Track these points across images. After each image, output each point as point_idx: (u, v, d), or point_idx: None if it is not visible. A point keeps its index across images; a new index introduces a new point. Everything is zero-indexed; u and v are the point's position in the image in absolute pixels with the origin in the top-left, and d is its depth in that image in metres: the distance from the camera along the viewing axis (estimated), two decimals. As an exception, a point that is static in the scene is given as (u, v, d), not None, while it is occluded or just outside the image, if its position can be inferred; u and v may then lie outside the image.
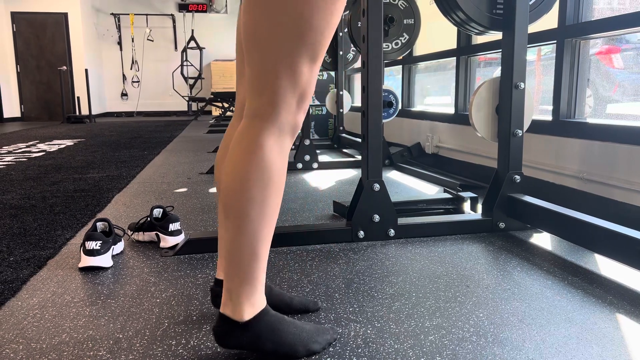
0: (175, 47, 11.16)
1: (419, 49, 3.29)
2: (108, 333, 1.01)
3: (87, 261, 1.38)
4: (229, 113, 8.87)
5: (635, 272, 1.29)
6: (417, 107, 3.37)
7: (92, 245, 1.39)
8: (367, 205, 1.59)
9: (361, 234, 1.60)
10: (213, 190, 2.55)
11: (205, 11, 11.05)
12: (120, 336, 1.00)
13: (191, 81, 10.97)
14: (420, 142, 3.14)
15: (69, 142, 5.02)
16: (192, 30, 10.84)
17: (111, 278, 1.33)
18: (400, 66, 3.55)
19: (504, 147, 1.67)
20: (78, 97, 9.01)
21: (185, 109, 11.02)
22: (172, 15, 10.93)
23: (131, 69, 10.94)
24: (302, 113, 0.88)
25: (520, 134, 1.65)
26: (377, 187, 1.59)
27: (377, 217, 1.60)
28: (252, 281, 0.88)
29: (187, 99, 10.89)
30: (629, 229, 1.26)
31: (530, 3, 1.66)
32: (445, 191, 2.07)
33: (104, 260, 1.40)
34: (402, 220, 1.65)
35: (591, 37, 1.88)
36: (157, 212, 1.66)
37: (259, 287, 0.89)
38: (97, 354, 0.93)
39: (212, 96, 9.67)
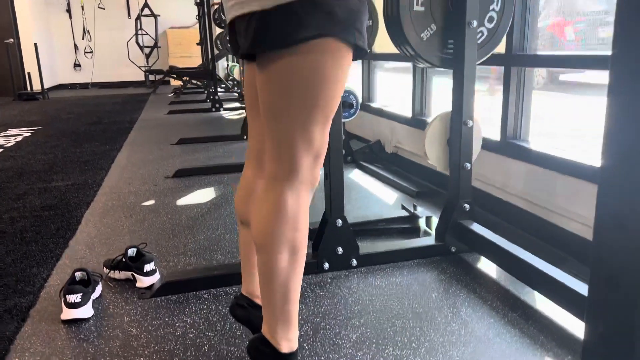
0: (129, 15, 10.73)
1: (387, 47, 3.34)
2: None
3: (69, 314, 1.47)
4: (189, 85, 8.71)
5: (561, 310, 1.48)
6: (377, 104, 3.47)
7: (74, 298, 1.47)
8: (331, 239, 1.72)
9: (326, 265, 1.73)
10: (180, 202, 2.61)
11: (158, -25, 10.61)
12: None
13: (147, 50, 10.64)
14: (380, 140, 3.26)
15: (25, 132, 4.90)
16: (146, -3, 10.41)
17: (94, 332, 1.42)
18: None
19: (454, 178, 1.81)
20: (29, 73, 8.65)
21: (142, 78, 10.73)
22: (123, -20, 10.46)
23: (83, 39, 10.51)
24: (318, 168, 1.01)
25: (469, 167, 1.78)
26: (339, 222, 1.71)
27: (340, 250, 1.73)
28: (286, 321, 1.02)
29: (143, 69, 10.60)
30: (557, 271, 1.43)
31: (479, 42, 1.76)
32: (402, 207, 2.21)
33: (86, 312, 1.49)
34: (363, 249, 1.79)
35: (535, 67, 2.01)
36: (132, 252, 1.74)
37: (293, 324, 1.03)
38: None
39: (169, 69, 9.46)
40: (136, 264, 1.69)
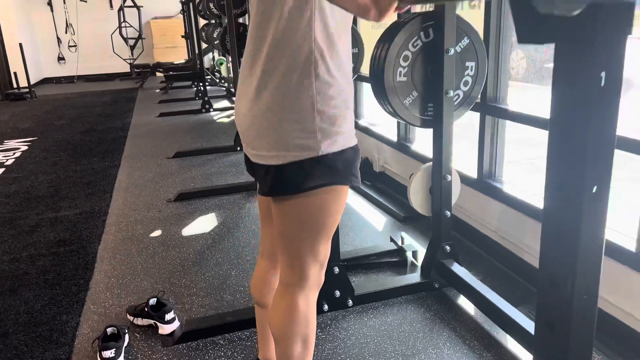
0: (111, 6, 10.66)
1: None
2: None
3: (105, 367, 1.69)
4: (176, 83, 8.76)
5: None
6: (364, 122, 3.66)
7: (108, 354, 1.70)
8: (330, 284, 1.94)
9: (325, 307, 1.97)
10: (185, 232, 2.82)
11: (139, -35, 10.51)
12: None
13: (132, 42, 10.63)
14: (368, 158, 3.47)
15: (22, 145, 5.03)
16: (127, -12, 10.33)
17: (129, 383, 1.65)
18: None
19: (436, 223, 2.04)
20: (15, 73, 8.65)
21: (128, 70, 10.73)
22: (104, -28, 10.36)
23: (66, 32, 10.44)
24: (323, 272, 1.23)
25: (449, 215, 2.01)
26: (336, 270, 1.94)
27: (337, 293, 1.97)
28: None
29: (129, 62, 10.61)
30: (516, 312, 1.68)
31: (455, 103, 1.97)
32: (391, 240, 2.45)
33: (119, 364, 1.71)
34: (357, 288, 2.02)
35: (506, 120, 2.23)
36: (153, 301, 1.95)
37: None
38: None
39: (156, 65, 9.50)
40: (158, 313, 1.91)
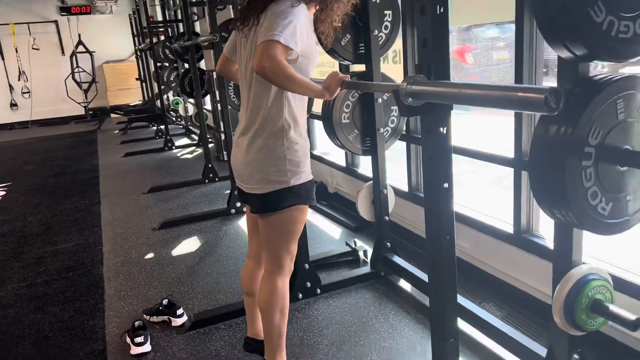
0: (63, 52, 11.00)
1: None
2: (185, 401, 1.91)
3: (137, 350, 2.22)
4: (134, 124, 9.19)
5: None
6: (318, 152, 4.34)
7: (139, 339, 2.23)
8: (302, 277, 2.56)
9: (300, 295, 2.58)
10: (175, 253, 3.36)
11: (89, 13, 10.97)
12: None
13: (85, 86, 10.98)
14: (323, 182, 4.13)
15: (-1, 191, 5.38)
16: (79, 35, 10.74)
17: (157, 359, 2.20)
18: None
19: (379, 226, 2.71)
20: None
21: (83, 112, 11.04)
22: (55, 21, 10.73)
23: (19, 80, 10.67)
24: (292, 263, 1.84)
25: (387, 219, 2.69)
26: (307, 266, 2.56)
27: (309, 284, 2.58)
28: (280, 346, 1.85)
29: (83, 105, 10.93)
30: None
31: (385, 137, 2.66)
32: (346, 244, 3.10)
33: (147, 347, 2.25)
34: (323, 280, 2.65)
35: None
36: (165, 301, 2.50)
37: (284, 348, 1.85)
38: (189, 415, 1.83)
39: (114, 107, 9.90)
40: (170, 310, 2.46)
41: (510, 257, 2.37)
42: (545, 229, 2.28)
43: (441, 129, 1.33)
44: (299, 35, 1.51)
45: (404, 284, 2.66)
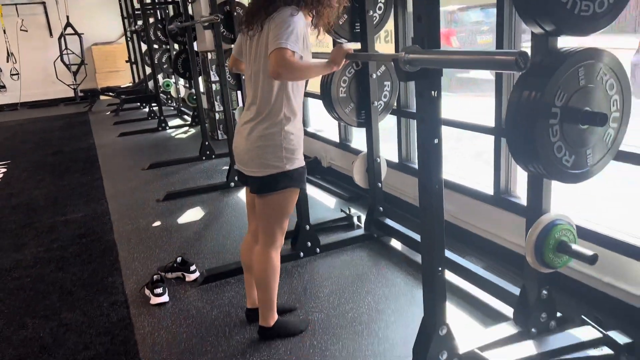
0: (51, 34, 11.00)
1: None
2: (200, 335, 2.16)
3: (157, 300, 2.47)
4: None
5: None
6: (312, 129, 4.57)
7: (159, 290, 2.47)
8: (303, 237, 2.82)
9: (301, 254, 2.83)
10: (180, 221, 3.59)
11: (77, -6, 10.94)
12: (204, 335, 2.16)
13: (74, 68, 11.01)
14: (317, 157, 4.38)
15: (0, 168, 5.52)
16: (67, 17, 10.73)
17: (175, 308, 2.44)
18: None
19: (372, 192, 2.97)
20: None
21: (72, 94, 11.08)
22: (43, 2, 10.71)
23: (7, 61, 10.66)
24: (283, 237, 2.07)
25: (380, 185, 2.95)
26: (307, 227, 2.81)
27: (309, 244, 2.84)
28: (272, 308, 2.09)
29: (73, 87, 10.98)
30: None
31: (379, 110, 2.91)
32: (341, 210, 3.36)
33: (166, 298, 2.49)
34: (322, 241, 2.91)
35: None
36: (179, 259, 2.74)
37: (275, 309, 2.10)
38: (206, 342, 2.09)
39: (105, 88, 9.98)
40: (184, 267, 2.70)
41: (491, 216, 2.65)
42: (521, 190, 2.56)
43: (432, 92, 1.58)
44: (300, 40, 1.80)
45: (395, 244, 2.93)
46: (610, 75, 1.65)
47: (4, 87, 10.94)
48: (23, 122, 8.92)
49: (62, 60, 10.84)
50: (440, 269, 1.70)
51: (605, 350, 1.84)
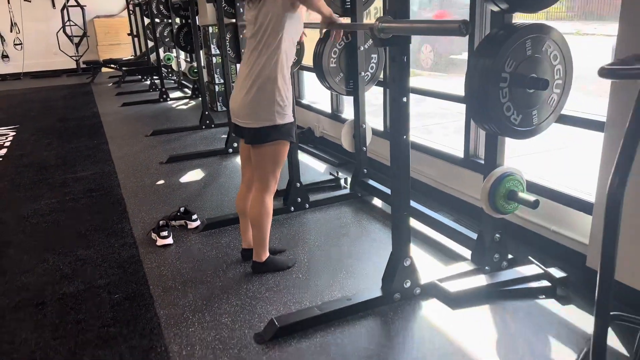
0: (54, 5, 11.16)
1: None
2: (201, 270, 2.49)
3: (163, 242, 2.79)
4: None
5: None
6: (306, 101, 4.86)
7: (164, 233, 2.80)
8: (294, 194, 3.14)
9: (292, 209, 3.15)
10: (183, 180, 3.90)
11: (80, -34, 11.08)
12: (204, 269, 2.48)
13: (76, 40, 11.20)
14: (310, 127, 4.67)
15: (9, 132, 5.79)
16: (71, -12, 10.89)
17: (179, 249, 2.76)
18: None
19: (358, 155, 3.28)
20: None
21: (74, 66, 11.30)
22: (47, -27, 10.86)
23: (11, 31, 10.84)
24: (276, 184, 2.38)
25: (365, 150, 3.26)
26: (298, 185, 3.13)
27: (299, 199, 3.16)
28: (264, 246, 2.42)
29: (75, 59, 11.18)
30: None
31: (366, 80, 3.20)
32: (330, 174, 3.67)
33: (171, 240, 2.81)
34: (312, 198, 3.22)
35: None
36: (182, 209, 3.05)
37: (267, 247, 2.43)
38: (206, 274, 2.42)
39: (108, 60, 10.18)
40: (187, 216, 3.01)
41: (460, 177, 2.97)
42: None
43: (403, 57, 1.88)
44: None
45: (377, 202, 3.26)
46: (555, 48, 1.95)
47: (7, 56, 11.13)
48: (27, 91, 9.15)
49: (64, 31, 11.02)
50: (405, 213, 2.02)
51: (544, 283, 2.17)
